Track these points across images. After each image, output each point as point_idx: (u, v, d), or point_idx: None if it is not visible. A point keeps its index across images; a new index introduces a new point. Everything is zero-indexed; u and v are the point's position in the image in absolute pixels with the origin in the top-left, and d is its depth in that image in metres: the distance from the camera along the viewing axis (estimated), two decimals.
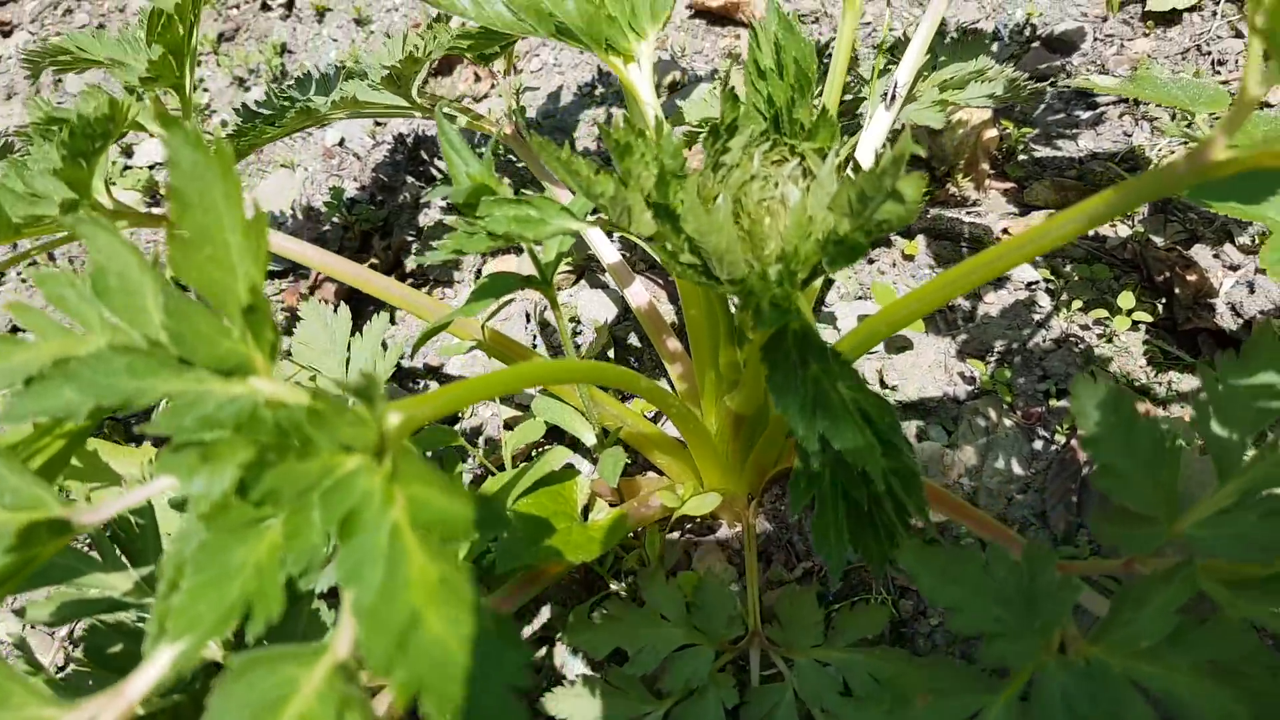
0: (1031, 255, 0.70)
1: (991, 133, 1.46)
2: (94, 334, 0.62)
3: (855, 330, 0.84)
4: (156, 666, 0.50)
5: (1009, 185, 1.47)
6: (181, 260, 0.56)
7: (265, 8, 2.12)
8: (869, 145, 1.03)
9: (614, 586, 1.01)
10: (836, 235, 0.68)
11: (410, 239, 1.53)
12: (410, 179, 1.62)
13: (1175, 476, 0.67)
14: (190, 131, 0.55)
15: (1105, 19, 1.66)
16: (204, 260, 0.56)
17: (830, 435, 0.66)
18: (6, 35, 2.20)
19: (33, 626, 1.09)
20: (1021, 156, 1.49)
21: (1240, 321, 1.26)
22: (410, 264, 1.50)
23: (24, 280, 1.70)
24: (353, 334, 1.05)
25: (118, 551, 0.72)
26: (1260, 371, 0.67)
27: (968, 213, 1.40)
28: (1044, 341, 1.20)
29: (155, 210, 1.49)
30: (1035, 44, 1.67)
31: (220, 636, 0.49)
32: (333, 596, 0.89)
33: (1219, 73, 1.57)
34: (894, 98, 1.00)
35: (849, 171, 0.75)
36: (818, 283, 1.23)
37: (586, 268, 1.42)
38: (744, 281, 0.73)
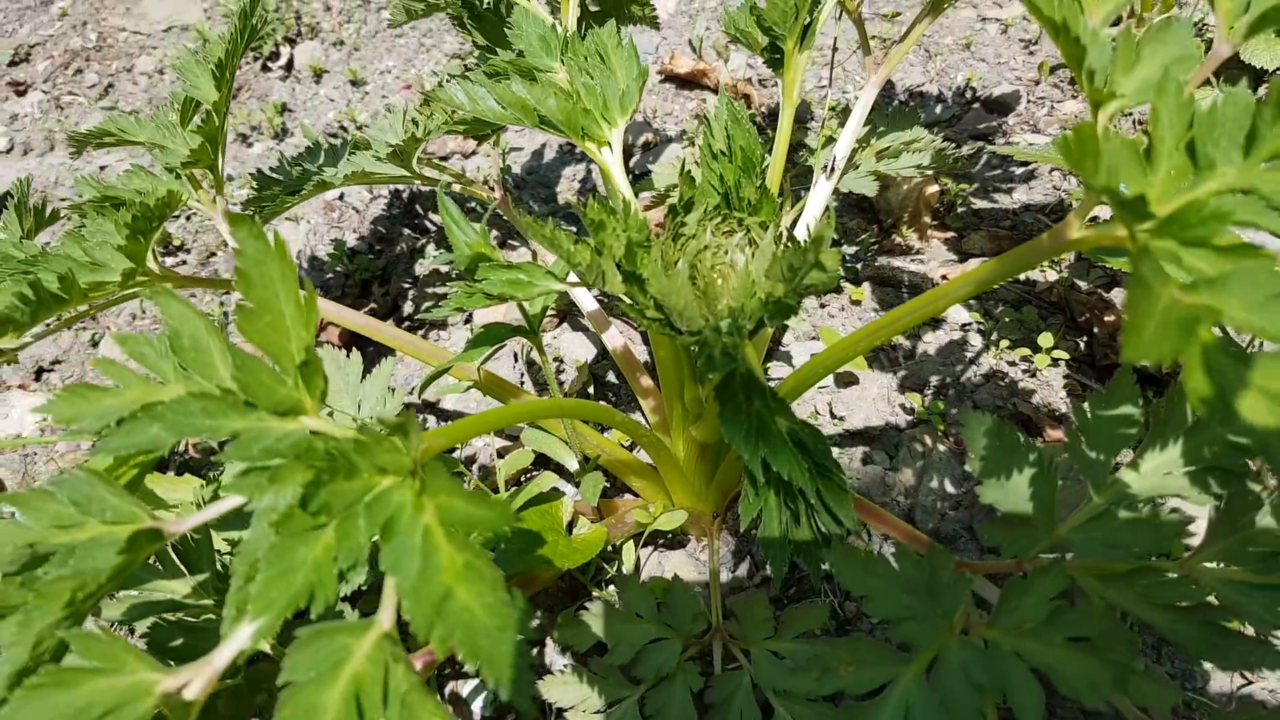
0: (933, 312, 0.85)
1: (933, 188, 1.62)
2: (170, 384, 0.76)
3: (797, 371, 0.99)
4: (236, 641, 0.64)
5: (949, 235, 1.63)
6: (247, 326, 0.70)
7: (265, 69, 2.27)
8: (812, 211, 1.19)
9: (595, 594, 1.15)
10: (774, 296, 0.83)
11: (407, 286, 1.68)
12: (406, 230, 1.77)
13: (1052, 491, 0.82)
14: (254, 227, 0.69)
15: (1038, 82, 1.84)
16: (264, 326, 0.70)
17: (770, 460, 0.81)
18: (21, 94, 2.34)
19: (108, 625, 1.22)
20: (961, 209, 1.65)
21: None
22: (407, 308, 1.65)
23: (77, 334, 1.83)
24: (362, 377, 1.20)
25: (177, 561, 0.86)
26: (1121, 405, 0.83)
27: (911, 260, 1.57)
28: (975, 376, 1.36)
29: (199, 273, 1.64)
30: (975, 105, 1.84)
31: (289, 614, 0.62)
32: (350, 601, 1.03)
33: (1117, 131, 1.74)
34: (833, 169, 1.15)
35: (788, 240, 0.91)
36: (769, 330, 1.38)
37: (569, 312, 1.57)
38: (700, 333, 0.88)
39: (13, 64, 2.41)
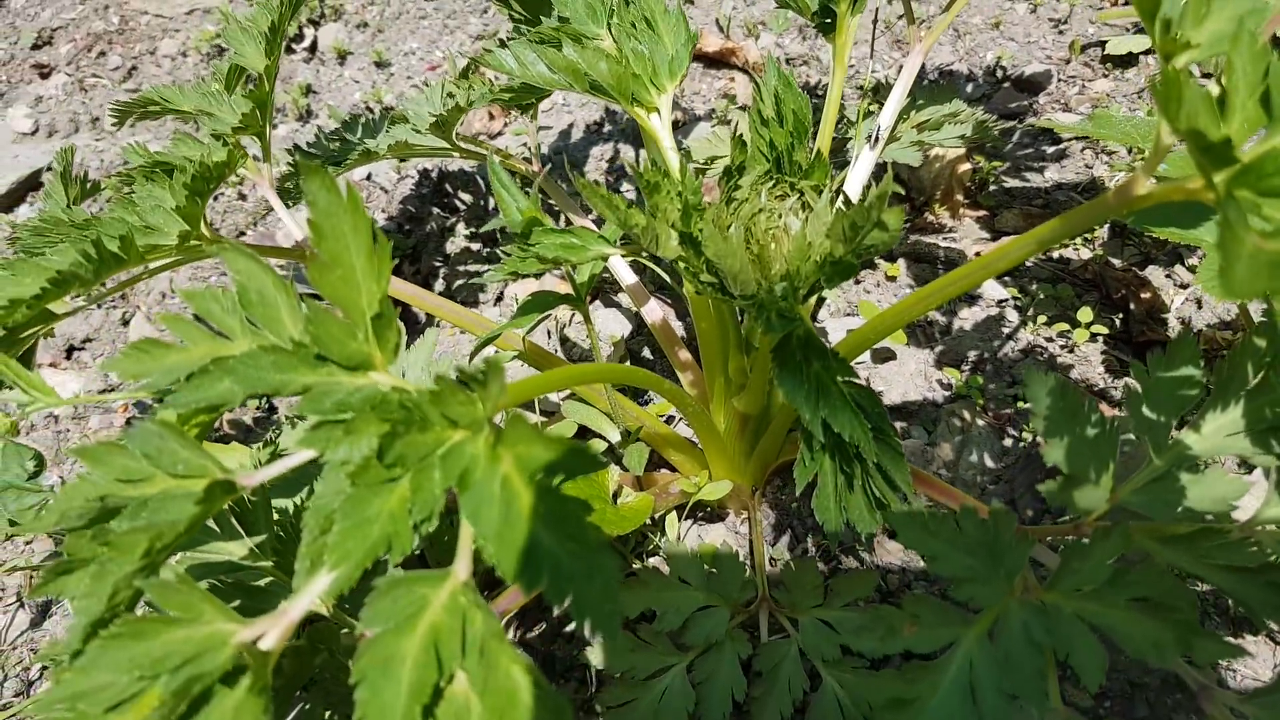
0: (991, 275, 0.85)
1: (965, 166, 1.62)
2: (239, 339, 0.76)
3: (846, 339, 0.99)
4: (312, 591, 0.64)
5: (981, 213, 1.63)
6: (319, 278, 0.70)
7: (289, 50, 2.27)
8: (856, 181, 1.19)
9: (636, 566, 1.15)
10: (833, 257, 0.83)
11: (438, 264, 1.68)
12: (436, 210, 1.77)
13: (1114, 452, 0.82)
14: (326, 177, 0.69)
15: (1068, 61, 1.84)
16: (336, 279, 0.70)
17: (830, 420, 0.81)
18: (45, 77, 2.34)
19: None
20: (993, 187, 1.65)
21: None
22: (438, 286, 1.65)
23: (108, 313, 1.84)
24: (406, 345, 1.20)
25: (234, 523, 0.86)
26: (1182, 366, 0.82)
27: (944, 238, 1.56)
28: (1012, 352, 1.36)
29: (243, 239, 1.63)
30: (1005, 84, 1.84)
31: (367, 565, 0.62)
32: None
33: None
34: (878, 139, 1.15)
35: (839, 204, 0.90)
36: (812, 300, 1.38)
37: (600, 289, 1.57)
38: (755, 296, 0.88)
39: (36, 47, 2.41)
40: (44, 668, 1.34)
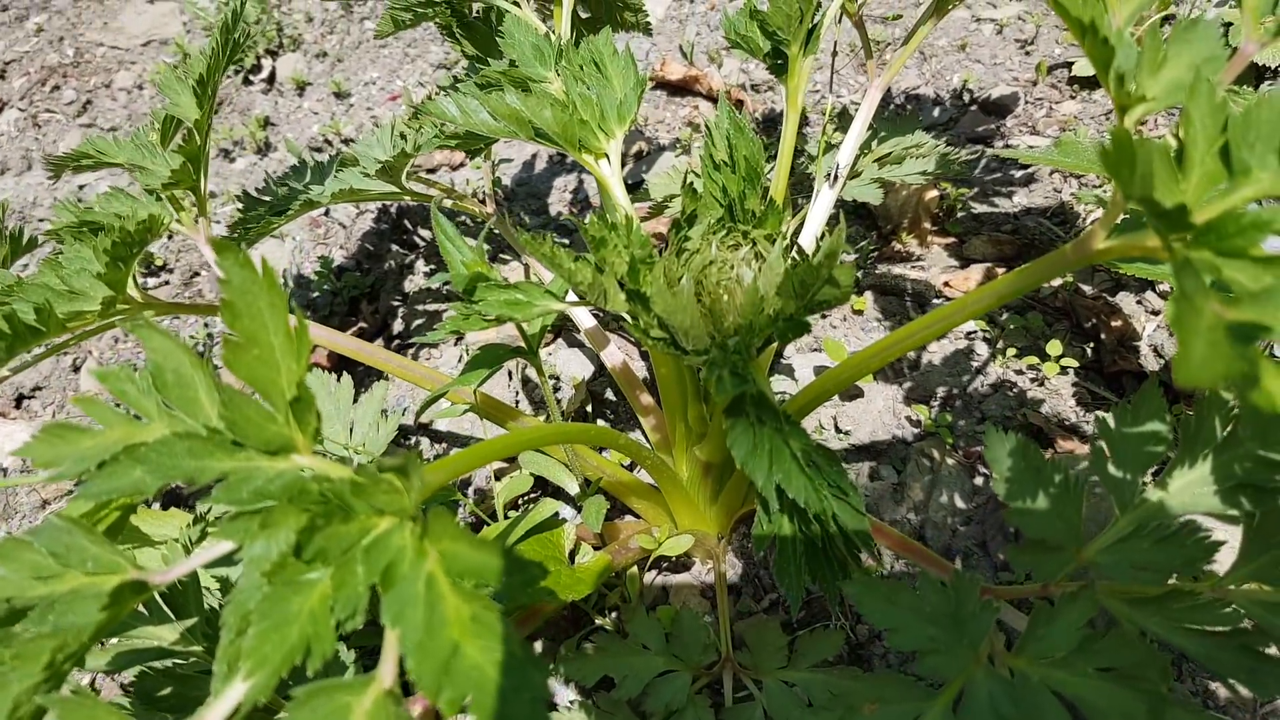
0: (945, 329, 0.82)
1: (932, 193, 1.59)
2: (155, 422, 0.72)
3: (807, 389, 0.96)
4: (228, 700, 0.60)
5: (950, 240, 1.60)
6: (233, 359, 0.66)
7: (247, 82, 2.23)
8: (815, 221, 1.16)
9: (599, 621, 1.11)
10: (785, 314, 0.80)
11: (396, 303, 1.64)
12: (395, 246, 1.73)
13: (1079, 512, 0.79)
14: (240, 255, 0.65)
15: (1035, 83, 1.82)
16: (252, 360, 0.66)
17: (784, 485, 0.77)
18: None
19: (93, 675, 1.17)
20: (961, 214, 1.63)
21: (1162, 362, 1.39)
22: (398, 326, 1.61)
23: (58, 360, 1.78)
24: (354, 401, 1.16)
25: (164, 606, 0.82)
26: (1148, 421, 0.79)
27: (912, 267, 1.54)
28: (982, 387, 1.33)
29: (180, 300, 1.59)
30: (972, 107, 1.82)
31: (284, 673, 0.58)
32: (345, 640, 0.98)
33: (1139, 133, 1.72)
34: (836, 177, 1.12)
35: (793, 256, 0.87)
36: (771, 349, 1.35)
37: (564, 327, 1.54)
38: (707, 353, 0.85)
39: None
40: None
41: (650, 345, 0.86)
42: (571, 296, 1.16)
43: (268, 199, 1.25)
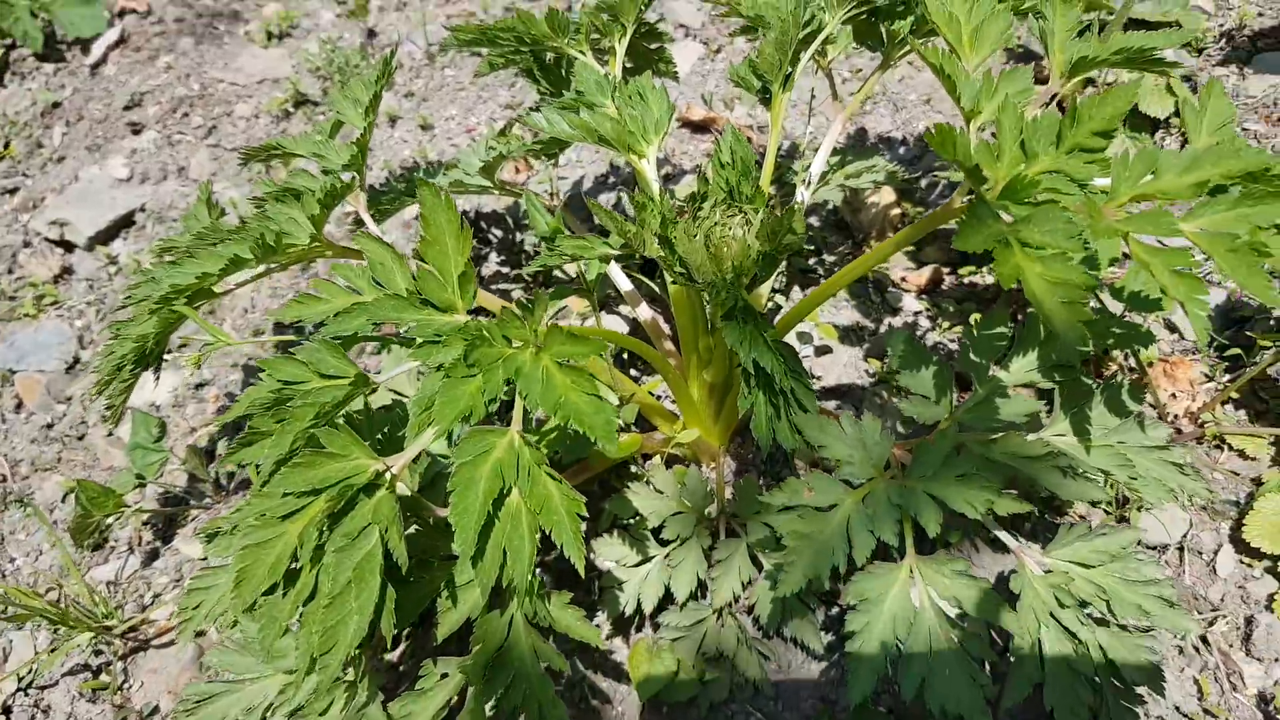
0: (863, 270, 1.24)
1: (896, 210, 2.02)
2: (367, 293, 1.14)
3: (783, 315, 1.38)
4: (422, 441, 1.02)
5: (909, 249, 2.03)
6: (424, 250, 1.09)
7: None
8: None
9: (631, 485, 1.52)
10: (763, 251, 1.22)
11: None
12: (475, 242, 2.17)
13: (949, 382, 1.20)
14: (433, 186, 1.09)
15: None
16: (435, 251, 1.09)
17: (758, 359, 1.19)
18: (137, 133, 2.77)
19: None
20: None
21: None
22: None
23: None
24: None
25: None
26: (996, 326, 1.21)
27: (876, 269, 1.96)
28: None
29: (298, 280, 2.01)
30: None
31: (455, 427, 1.00)
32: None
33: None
34: (810, 182, 1.56)
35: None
36: (763, 290, 1.76)
37: (605, 303, 1.97)
38: (712, 282, 1.27)
39: (127, 108, 2.85)
40: (156, 595, 1.68)
41: (675, 279, 1.29)
42: (620, 251, 1.57)
43: (388, 192, 1.70)
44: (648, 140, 1.44)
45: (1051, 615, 1.11)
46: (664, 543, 1.36)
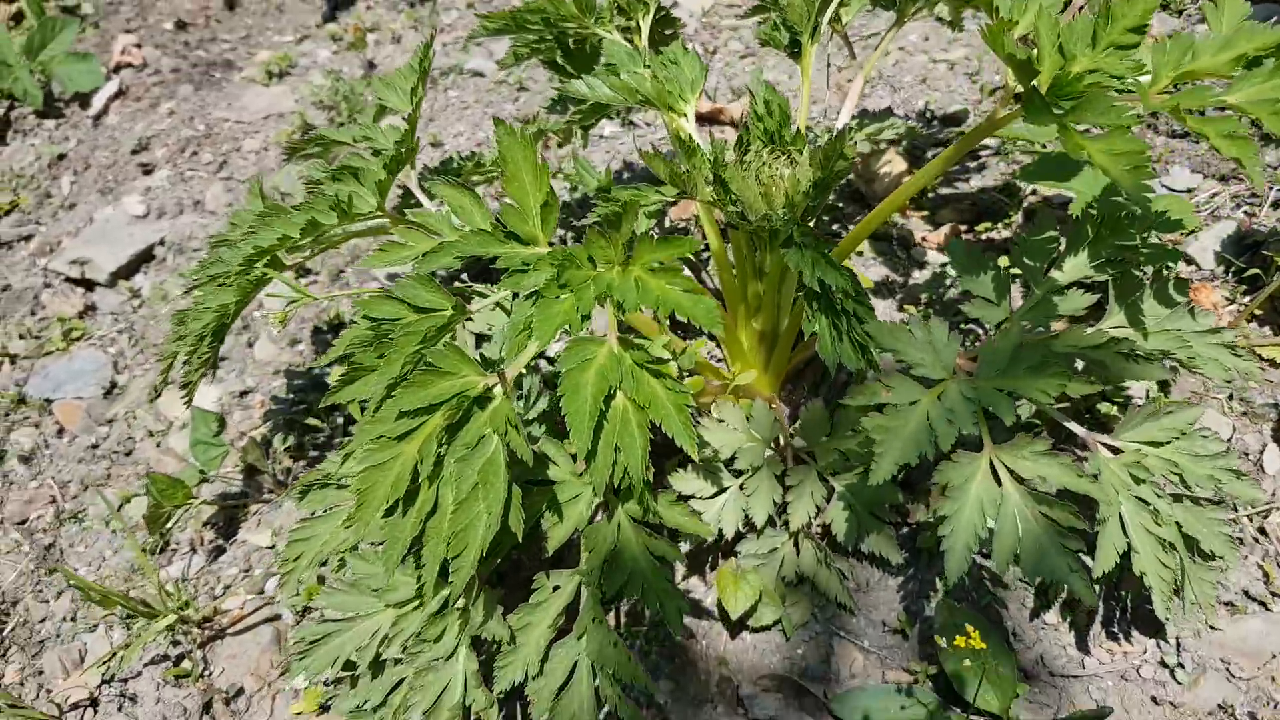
0: (906, 197, 1.30)
1: (909, 178, 2.10)
2: (448, 236, 1.19)
3: (837, 246, 1.44)
4: (525, 356, 1.06)
5: (924, 213, 2.11)
6: (506, 187, 1.14)
7: None
8: None
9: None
10: (814, 180, 1.29)
11: None
12: None
13: (1007, 285, 1.26)
14: (509, 126, 1.14)
15: (980, 101, 2.36)
16: (515, 187, 1.15)
17: (824, 278, 1.24)
18: (148, 173, 2.82)
19: None
20: (931, 195, 2.13)
21: None
22: None
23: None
24: None
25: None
26: (1046, 230, 1.28)
27: (897, 229, 2.04)
28: (950, 295, 1.81)
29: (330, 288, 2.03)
30: (934, 121, 2.35)
31: (550, 340, 1.04)
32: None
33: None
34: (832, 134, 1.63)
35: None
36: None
37: None
38: (766, 215, 1.33)
39: (135, 152, 2.90)
40: (226, 587, 1.69)
41: (728, 216, 1.35)
42: (672, 196, 1.63)
43: (432, 177, 1.76)
44: (685, 99, 1.51)
45: (1129, 491, 1.16)
46: (737, 474, 1.40)
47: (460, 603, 1.14)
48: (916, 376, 1.20)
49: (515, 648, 1.11)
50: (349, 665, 1.19)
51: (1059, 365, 1.17)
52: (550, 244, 1.16)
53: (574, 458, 1.20)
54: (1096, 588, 1.34)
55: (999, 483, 1.16)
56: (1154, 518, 1.17)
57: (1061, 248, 1.27)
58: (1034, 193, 2.10)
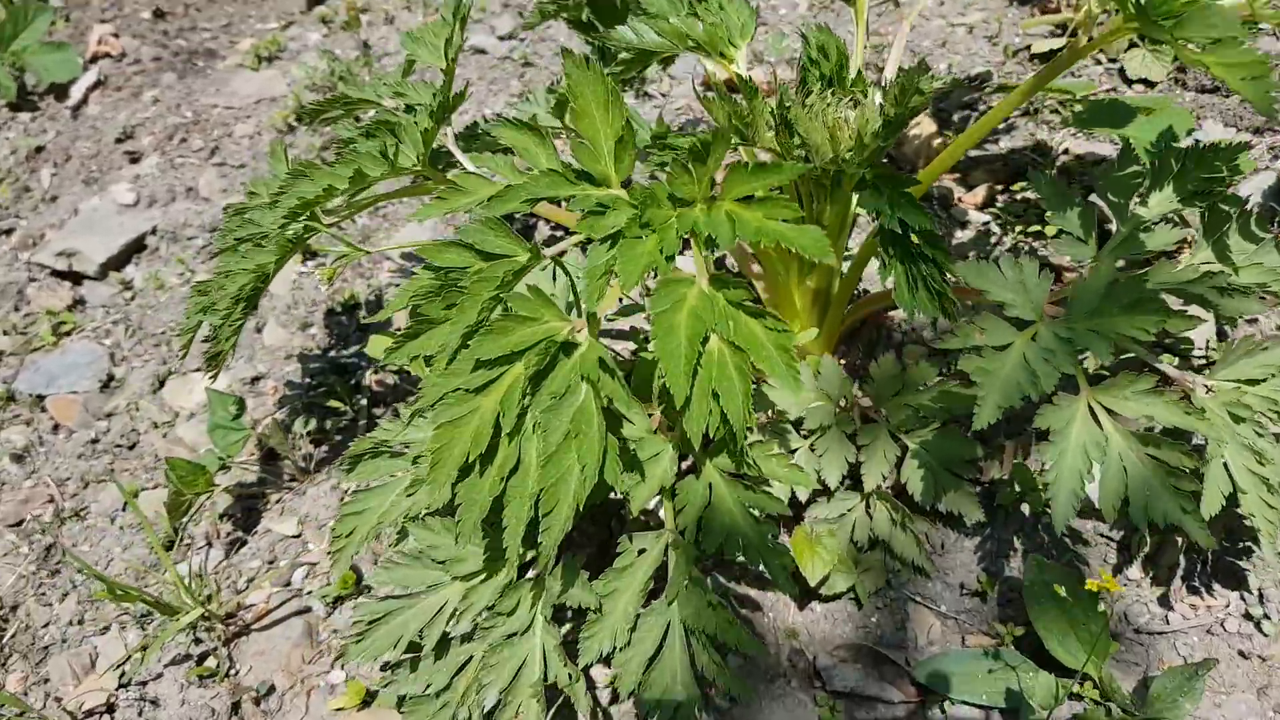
0: (1008, 111, 1.24)
1: (938, 139, 2.05)
2: (512, 179, 1.11)
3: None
4: (608, 298, 0.98)
5: (956, 175, 2.06)
6: (575, 122, 1.06)
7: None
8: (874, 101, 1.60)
9: None
10: (887, 117, 1.22)
11: None
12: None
13: (1093, 221, 1.20)
14: (576, 57, 1.07)
15: (1003, 63, 2.31)
16: (585, 123, 1.07)
17: (905, 218, 1.18)
18: (135, 161, 2.70)
19: None
20: (961, 157, 2.08)
21: None
22: None
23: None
24: None
25: None
26: (1129, 166, 1.22)
27: (937, 189, 1.98)
28: (1001, 249, 1.76)
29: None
30: (960, 84, 2.30)
31: (638, 281, 0.96)
32: None
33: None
34: (885, 84, 1.57)
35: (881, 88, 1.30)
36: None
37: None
38: (834, 159, 1.26)
39: (119, 140, 2.78)
40: (249, 580, 1.59)
41: (793, 159, 1.28)
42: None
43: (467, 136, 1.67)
44: (736, 45, 1.44)
45: (1230, 430, 1.11)
46: (806, 434, 1.33)
47: (530, 572, 1.06)
48: (1009, 318, 1.13)
49: (601, 616, 1.02)
50: (412, 647, 1.09)
51: (1156, 301, 1.11)
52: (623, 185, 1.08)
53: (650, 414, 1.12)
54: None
55: (1099, 425, 1.10)
56: (1257, 458, 1.11)
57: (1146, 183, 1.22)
58: (1066, 152, 2.06)
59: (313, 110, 1.57)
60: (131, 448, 1.89)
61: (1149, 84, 2.17)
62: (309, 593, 1.52)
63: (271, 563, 1.59)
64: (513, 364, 0.95)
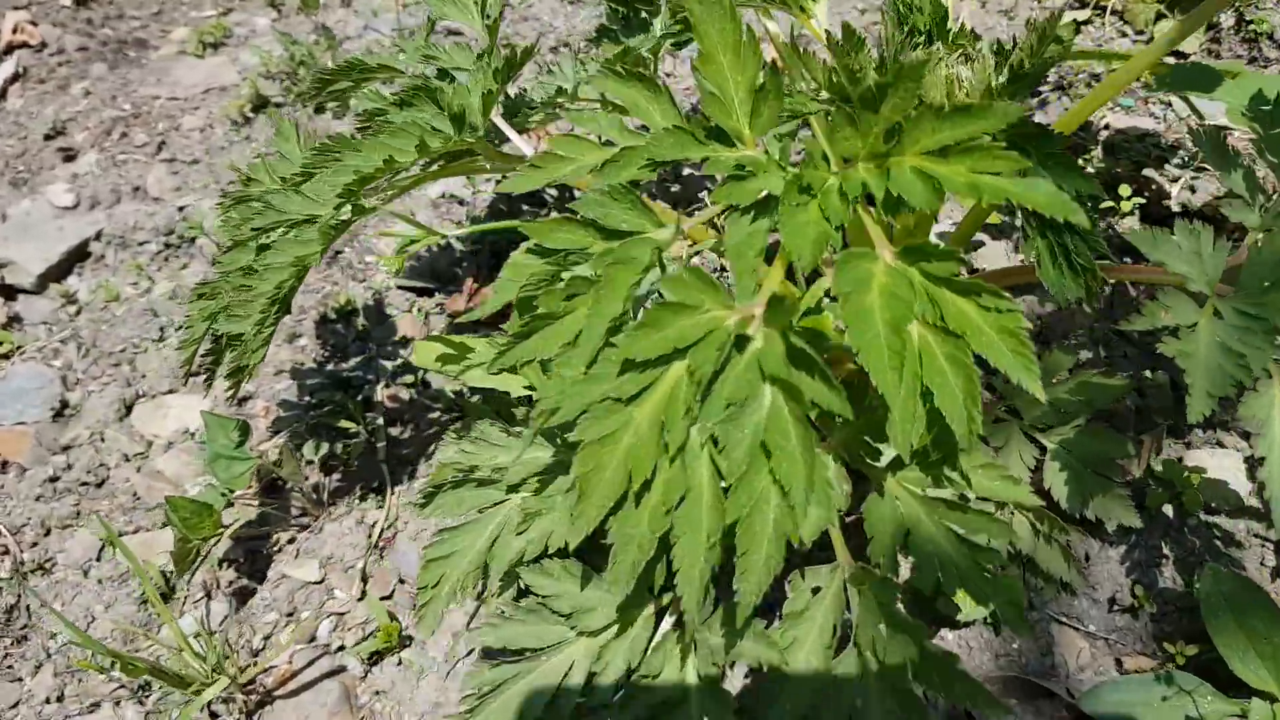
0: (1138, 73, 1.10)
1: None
2: (624, 141, 0.92)
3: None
4: (774, 279, 0.80)
5: None
6: (702, 69, 0.88)
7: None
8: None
9: None
10: (1018, 70, 1.07)
11: None
12: (526, 207, 1.94)
13: (1258, 187, 1.07)
14: None
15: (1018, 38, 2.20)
16: (712, 70, 0.88)
17: (1061, 184, 1.02)
18: (70, 159, 2.40)
19: None
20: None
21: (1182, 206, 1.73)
22: None
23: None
24: None
25: None
26: None
27: None
28: None
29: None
30: None
31: (816, 254, 0.79)
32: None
33: None
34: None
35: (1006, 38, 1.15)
36: None
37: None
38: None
39: (49, 137, 2.48)
40: (266, 638, 1.36)
41: None
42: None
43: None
44: None
45: None
46: None
47: (665, 622, 0.86)
48: (1191, 292, 0.99)
49: (784, 675, 0.83)
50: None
51: None
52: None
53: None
54: None
55: None
56: None
57: None
58: (1107, 127, 1.95)
59: (320, 82, 1.35)
60: (100, 485, 1.62)
61: (1180, 55, 2.08)
62: (341, 648, 1.29)
63: (291, 615, 1.35)
64: (670, 365, 0.77)
